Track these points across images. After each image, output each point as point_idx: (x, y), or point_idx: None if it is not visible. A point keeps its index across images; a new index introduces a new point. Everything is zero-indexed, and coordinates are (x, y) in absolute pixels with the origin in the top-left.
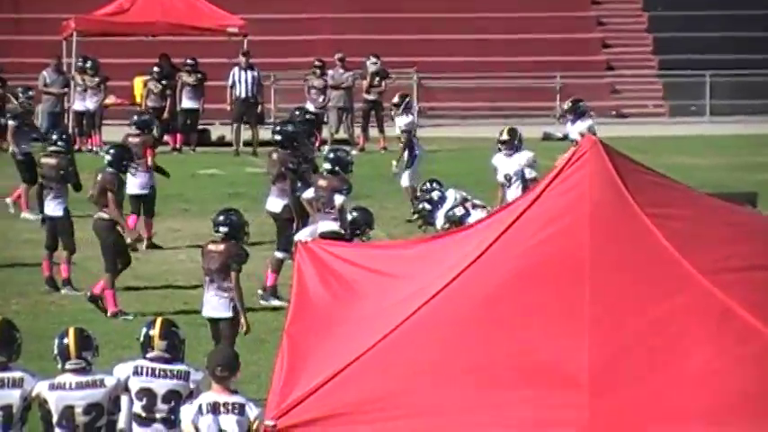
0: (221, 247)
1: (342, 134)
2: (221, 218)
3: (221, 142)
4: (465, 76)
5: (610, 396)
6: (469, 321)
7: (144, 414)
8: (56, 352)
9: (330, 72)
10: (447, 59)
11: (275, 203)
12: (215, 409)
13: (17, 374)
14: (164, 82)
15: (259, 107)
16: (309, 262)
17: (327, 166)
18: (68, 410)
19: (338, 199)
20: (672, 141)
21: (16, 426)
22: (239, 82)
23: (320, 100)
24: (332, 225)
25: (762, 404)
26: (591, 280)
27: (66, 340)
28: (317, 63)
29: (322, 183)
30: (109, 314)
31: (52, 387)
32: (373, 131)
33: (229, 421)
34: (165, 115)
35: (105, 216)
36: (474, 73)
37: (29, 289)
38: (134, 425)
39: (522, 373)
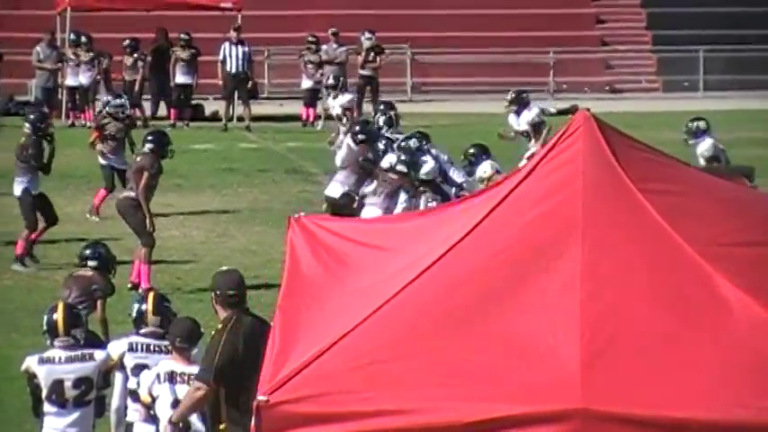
0: (89, 273)
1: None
2: (89, 251)
3: (215, 117)
4: (458, 52)
5: (601, 372)
6: (461, 297)
7: (140, 390)
8: (45, 328)
9: (324, 47)
10: (440, 35)
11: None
12: (172, 378)
13: None
14: (135, 55)
15: (250, 82)
16: (302, 236)
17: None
18: (58, 384)
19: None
20: (665, 117)
21: None
22: (230, 57)
23: (317, 75)
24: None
25: (755, 378)
26: (583, 256)
27: (55, 316)
28: (310, 38)
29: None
30: (141, 290)
31: (41, 361)
32: (368, 107)
33: (184, 391)
34: (136, 88)
35: (132, 194)
36: (467, 48)
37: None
38: (129, 401)
39: (513, 349)
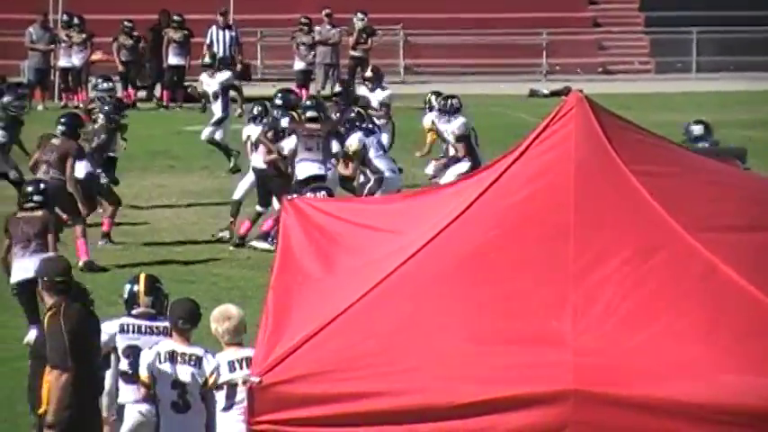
0: (39, 213)
1: (329, 90)
2: (32, 188)
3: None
4: (451, 33)
5: (593, 354)
6: (453, 277)
7: (131, 371)
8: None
9: (317, 28)
10: (433, 16)
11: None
12: (172, 357)
13: None
14: (134, 36)
15: (239, 66)
16: (295, 217)
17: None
18: None
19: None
20: (658, 98)
21: None
22: (217, 41)
23: (309, 56)
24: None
25: (746, 359)
26: (575, 237)
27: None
28: (303, 20)
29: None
30: (81, 263)
31: None
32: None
33: (185, 372)
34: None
35: (58, 176)
36: (460, 30)
37: None
38: (120, 383)
39: (505, 331)
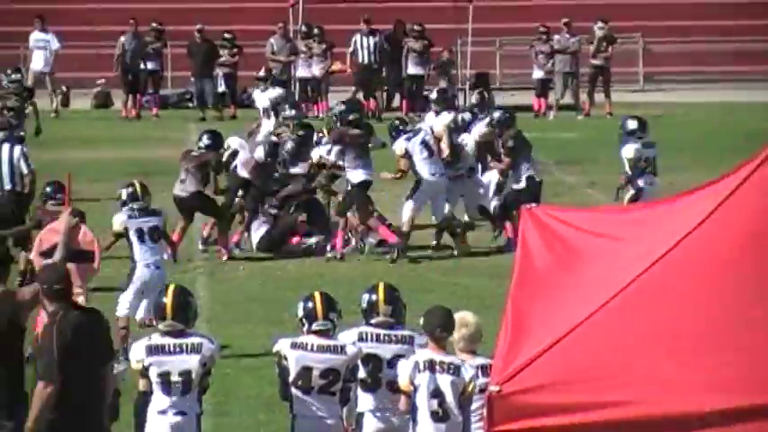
0: None
1: (567, 99)
2: None
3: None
4: (691, 41)
5: None
6: (690, 287)
7: (369, 380)
8: (301, 314)
9: (556, 37)
10: (674, 23)
11: None
12: (432, 366)
13: (196, 340)
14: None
15: (384, 72)
16: (533, 227)
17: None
18: (306, 371)
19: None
20: None
21: (194, 391)
22: (361, 48)
23: (548, 65)
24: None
25: None
26: None
27: (311, 303)
28: (541, 28)
29: None
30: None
31: (294, 346)
32: (599, 97)
33: (445, 381)
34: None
35: (193, 189)
36: (699, 37)
37: (257, 254)
38: (359, 391)
39: (740, 343)
